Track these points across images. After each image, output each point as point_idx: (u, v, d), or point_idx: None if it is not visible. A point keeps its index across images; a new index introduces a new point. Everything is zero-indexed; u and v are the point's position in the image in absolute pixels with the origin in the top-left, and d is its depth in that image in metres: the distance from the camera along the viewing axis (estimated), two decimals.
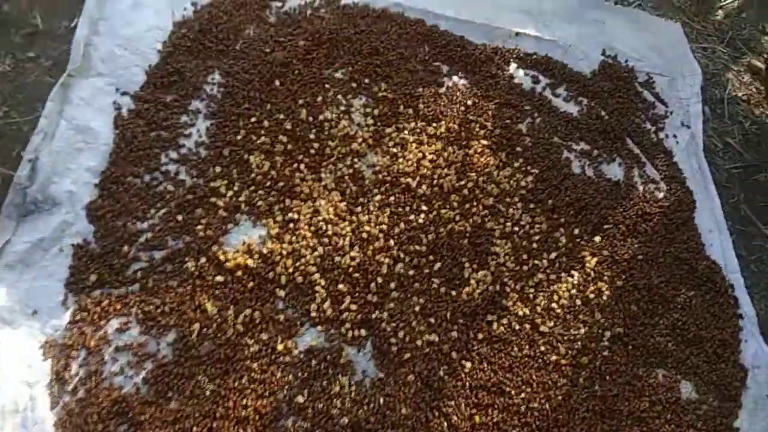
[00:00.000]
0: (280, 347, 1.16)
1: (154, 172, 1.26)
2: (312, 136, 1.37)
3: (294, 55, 1.44)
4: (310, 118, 1.39)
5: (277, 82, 1.41)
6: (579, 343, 1.29)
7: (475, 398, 1.21)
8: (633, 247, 1.44)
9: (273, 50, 1.44)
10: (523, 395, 1.24)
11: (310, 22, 1.51)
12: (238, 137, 1.33)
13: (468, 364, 1.24)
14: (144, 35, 1.38)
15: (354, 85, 1.46)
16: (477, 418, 1.19)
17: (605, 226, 1.46)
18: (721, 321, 1.40)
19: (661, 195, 1.54)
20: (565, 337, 1.31)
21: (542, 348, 1.28)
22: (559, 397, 1.24)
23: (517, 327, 1.29)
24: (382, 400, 1.16)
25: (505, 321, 1.29)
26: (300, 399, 1.13)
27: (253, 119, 1.35)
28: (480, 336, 1.27)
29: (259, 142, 1.33)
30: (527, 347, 1.28)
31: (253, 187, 1.29)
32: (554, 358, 1.27)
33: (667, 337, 1.35)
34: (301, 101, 1.40)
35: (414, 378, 1.19)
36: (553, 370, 1.27)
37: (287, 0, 1.53)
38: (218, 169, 1.29)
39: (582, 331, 1.32)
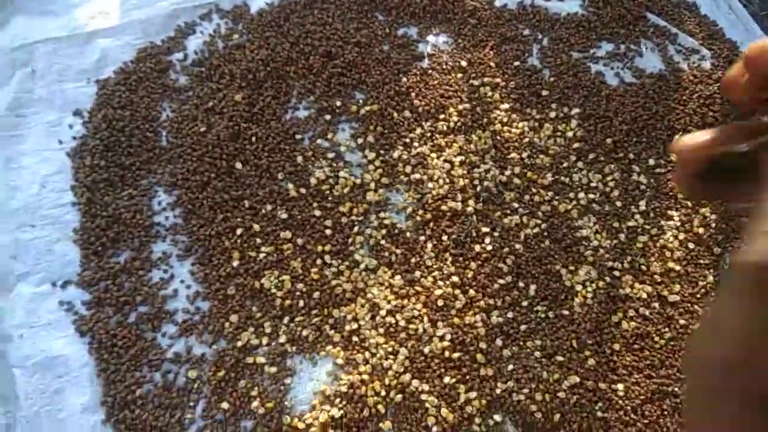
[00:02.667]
0: None
1: (162, 365, 0.89)
2: (317, 213, 0.98)
3: (238, 117, 1.01)
4: (302, 190, 0.99)
5: (238, 165, 0.99)
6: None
7: (644, 418, 0.96)
8: None
9: (209, 125, 1.00)
10: (686, 385, 0.98)
11: (229, 60, 1.05)
12: (234, 263, 0.94)
13: (620, 387, 0.98)
14: (43, 194, 0.94)
15: (327, 116, 1.04)
16: None
17: (675, 137, 1.12)
18: None
19: (707, 65, 1.20)
20: (699, 296, 1.03)
21: (682, 321, 1.01)
22: None
23: (647, 312, 1.01)
24: None
25: (631, 312, 1.02)
26: None
27: (239, 231, 0.95)
28: (616, 346, 0.99)
29: (261, 257, 0.95)
30: (666, 329, 1.01)
31: (287, 319, 0.93)
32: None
33: None
34: (279, 175, 0.99)
35: None
36: None
37: (187, 44, 1.05)
38: (234, 318, 0.92)
39: (710, 276, 1.04)
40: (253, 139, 1.01)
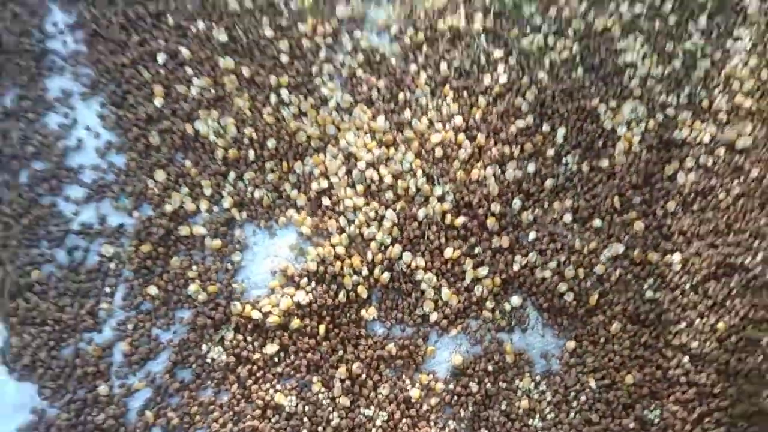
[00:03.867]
0: (415, 393, 0.66)
1: (66, 239, 0.64)
2: (269, 33, 0.70)
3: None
4: (247, 3, 0.69)
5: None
6: None
7: (707, 299, 0.73)
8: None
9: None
10: (761, 255, 0.74)
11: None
12: (157, 102, 0.67)
13: (676, 258, 0.74)
14: None
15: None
16: (721, 325, 0.71)
17: None
18: None
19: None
20: None
21: (754, 172, 0.77)
22: None
23: (710, 161, 0.77)
24: (594, 383, 0.68)
25: (690, 162, 0.76)
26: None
27: (161, 58, 0.67)
28: (670, 205, 0.75)
29: (193, 93, 0.67)
30: (734, 182, 0.77)
31: (232, 175, 0.67)
32: None
33: None
34: None
35: (620, 324, 0.69)
36: None
37: None
38: (160, 176, 0.66)
39: None
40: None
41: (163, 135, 0.67)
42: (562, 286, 0.69)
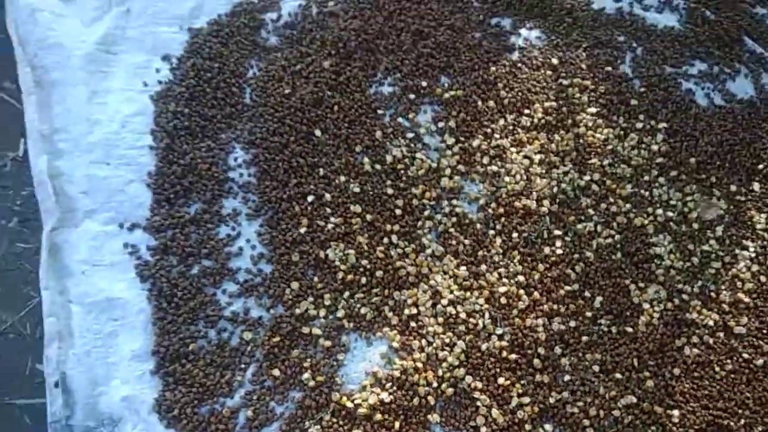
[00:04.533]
0: None
1: (219, 323, 0.82)
2: (390, 191, 0.91)
3: (324, 84, 0.93)
4: (377, 166, 0.91)
5: (317, 132, 0.91)
6: None
7: None
8: None
9: (294, 88, 0.92)
10: (743, 421, 0.89)
11: (322, 26, 0.97)
12: (301, 230, 0.86)
13: (676, 413, 0.88)
14: (122, 134, 0.87)
15: (411, 96, 0.96)
16: None
17: (759, 166, 1.02)
18: None
19: None
20: (765, 330, 0.93)
21: (744, 355, 0.92)
22: None
23: (711, 341, 0.92)
24: None
25: (695, 339, 0.92)
26: None
27: (310, 198, 0.88)
28: (676, 371, 0.90)
29: (329, 228, 0.87)
30: (729, 361, 0.91)
31: (347, 293, 0.86)
32: (761, 361, 0.90)
33: None
34: (357, 148, 0.91)
35: None
36: (765, 376, 0.90)
37: (282, 5, 0.97)
38: (294, 285, 0.84)
39: None
40: (336, 108, 0.93)
41: (302, 255, 0.87)
42: (586, 422, 0.86)
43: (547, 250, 0.92)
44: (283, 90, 0.93)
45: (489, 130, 0.97)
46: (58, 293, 0.80)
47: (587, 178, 0.96)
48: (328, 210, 0.89)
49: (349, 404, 0.82)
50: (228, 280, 0.85)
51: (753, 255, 0.98)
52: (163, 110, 0.89)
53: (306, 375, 0.83)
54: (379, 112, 0.95)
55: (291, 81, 0.94)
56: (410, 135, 0.95)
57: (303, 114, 0.92)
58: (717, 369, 0.92)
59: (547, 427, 0.86)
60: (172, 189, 0.86)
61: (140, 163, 0.88)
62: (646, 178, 0.98)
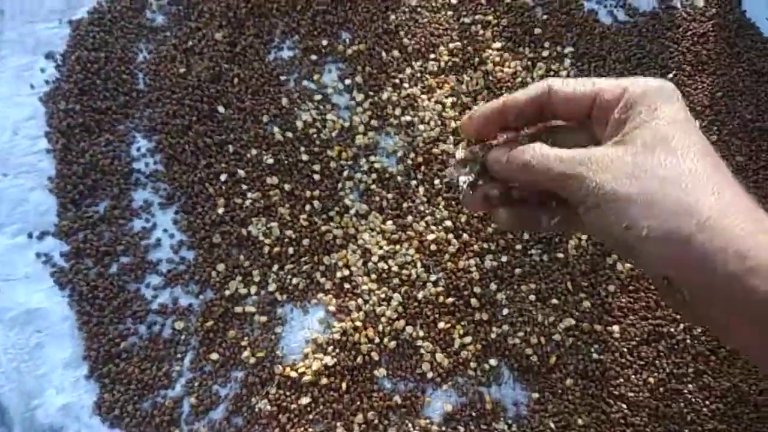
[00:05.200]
0: None
1: (147, 317, 0.79)
2: (305, 157, 0.87)
3: (219, 58, 0.88)
4: (288, 134, 0.88)
5: (220, 108, 0.87)
6: None
7: (640, 359, 0.89)
8: (707, 83, 1.01)
9: (188, 66, 0.87)
10: (682, 326, 0.91)
11: None
12: (219, 211, 0.83)
13: (616, 328, 0.90)
14: (15, 141, 0.82)
15: (313, 57, 0.92)
16: (651, 379, 0.88)
17: (669, 76, 1.02)
18: None
19: (701, 2, 1.08)
20: None
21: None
22: None
23: None
24: (552, 424, 0.83)
25: None
26: None
27: (223, 177, 0.84)
28: (611, 288, 0.91)
29: (247, 204, 0.84)
30: None
31: (276, 267, 0.83)
32: None
33: None
34: (264, 118, 0.87)
35: (572, 380, 0.85)
36: None
37: None
38: (220, 267, 0.81)
39: None
40: (236, 80, 0.89)
41: (224, 236, 0.84)
42: (528, 350, 0.86)
43: None
44: (177, 70, 0.88)
45: (397, 81, 0.94)
46: None
47: None
48: (244, 186, 0.86)
49: (294, 374, 0.81)
50: (150, 273, 0.82)
51: None
52: (54, 110, 0.84)
53: (245, 353, 0.81)
54: (282, 78, 0.91)
55: (185, 59, 0.89)
56: (318, 97, 0.91)
57: (202, 92, 0.87)
58: (650, 280, 0.93)
59: (492, 361, 0.86)
60: (76, 190, 0.82)
61: (40, 169, 0.82)
62: None
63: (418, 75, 0.95)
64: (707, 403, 0.92)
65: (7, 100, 0.85)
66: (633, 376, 0.91)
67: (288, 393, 0.81)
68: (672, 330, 0.93)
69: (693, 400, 0.92)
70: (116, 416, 0.76)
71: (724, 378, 0.93)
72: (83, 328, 0.78)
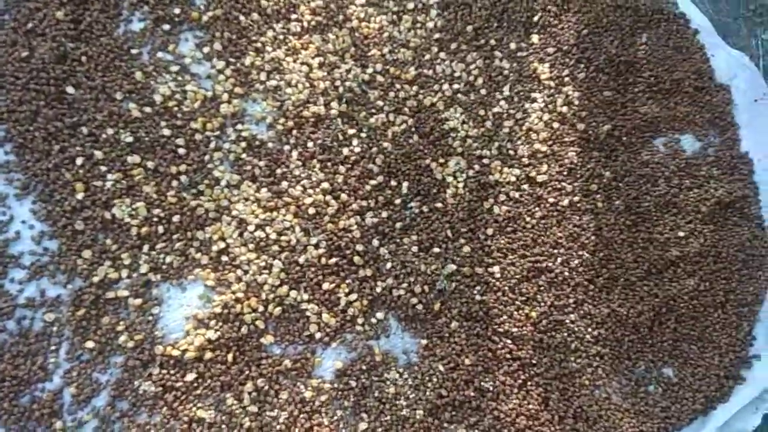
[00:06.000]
0: (308, 394, 0.80)
1: (15, 312, 0.76)
2: (167, 132, 0.83)
3: (63, 36, 0.82)
4: (146, 109, 0.83)
5: (69, 89, 0.81)
6: (582, 167, 0.95)
7: (522, 296, 0.91)
8: (573, 21, 1.02)
9: (31, 49, 0.81)
10: (560, 259, 0.94)
11: None
12: (79, 196, 0.79)
13: (496, 269, 0.91)
14: None
15: (166, 26, 0.87)
16: (534, 314, 0.91)
17: (534, 18, 1.02)
18: None
19: None
20: (566, 173, 0.96)
21: (551, 199, 0.95)
22: (593, 237, 0.93)
23: (517, 195, 0.94)
24: (442, 367, 0.84)
25: (502, 197, 0.94)
26: (363, 426, 0.80)
27: (79, 161, 0.79)
28: (489, 231, 0.92)
29: (108, 186, 0.80)
30: (536, 208, 0.94)
31: (146, 247, 0.80)
32: (566, 201, 0.94)
33: None
34: (118, 95, 0.83)
35: (458, 322, 0.86)
36: (573, 213, 0.94)
37: None
38: (86, 254, 0.78)
39: (574, 153, 0.96)
40: (83, 59, 0.83)
41: (86, 221, 0.80)
42: (414, 300, 0.87)
43: (345, 151, 0.89)
44: (19, 54, 0.81)
45: (259, 45, 0.90)
46: None
47: (370, 70, 0.93)
48: (103, 168, 0.81)
49: (176, 352, 0.79)
50: (13, 267, 0.77)
51: (542, 105, 0.99)
52: None
53: (123, 338, 0.78)
54: (134, 51, 0.86)
55: (26, 42, 0.82)
56: (175, 68, 0.86)
57: (48, 74, 0.81)
58: (528, 219, 0.95)
59: (379, 315, 0.87)
60: None
61: None
62: (428, 57, 0.95)
63: (281, 37, 0.91)
64: (589, 330, 0.96)
65: None
66: (516, 313, 0.93)
67: (172, 372, 0.79)
68: (550, 264, 0.95)
69: (575, 329, 0.96)
70: None
71: (603, 305, 0.97)
72: None
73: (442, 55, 0.96)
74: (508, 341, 0.89)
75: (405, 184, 0.90)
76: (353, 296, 0.85)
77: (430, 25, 0.97)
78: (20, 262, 0.78)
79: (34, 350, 0.76)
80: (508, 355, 0.89)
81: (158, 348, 0.78)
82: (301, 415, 0.80)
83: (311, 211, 0.87)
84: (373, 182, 0.89)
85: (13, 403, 0.74)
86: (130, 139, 0.83)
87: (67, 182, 0.80)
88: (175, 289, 0.81)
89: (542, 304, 0.92)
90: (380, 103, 0.92)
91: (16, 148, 0.80)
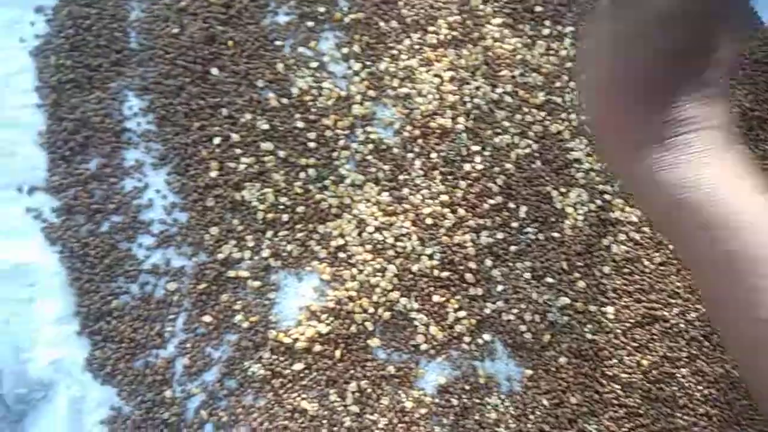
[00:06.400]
0: (408, 405, 1.10)
1: (140, 276, 1.08)
2: (300, 124, 1.19)
3: (213, 19, 1.20)
4: (283, 100, 1.20)
5: (214, 70, 1.18)
6: None
7: (633, 341, 1.22)
8: None
9: (182, 26, 1.19)
10: (677, 310, 1.25)
11: None
12: (213, 174, 1.14)
13: (610, 309, 1.23)
14: (5, 94, 1.11)
15: (310, 23, 1.25)
16: (645, 362, 1.21)
17: None
18: None
19: None
20: None
21: (671, 246, 1.27)
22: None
23: (638, 236, 1.27)
24: (545, 401, 1.15)
25: (622, 236, 1.27)
26: None
27: (216, 140, 1.15)
28: (606, 269, 1.24)
29: (241, 168, 1.15)
30: (656, 252, 1.27)
31: (270, 233, 1.14)
32: None
33: None
34: (259, 83, 1.19)
35: (566, 358, 1.18)
36: None
37: None
38: (214, 231, 1.12)
39: None
40: (230, 43, 1.20)
41: (217, 199, 1.14)
42: (522, 327, 1.18)
43: (467, 166, 1.24)
44: (170, 30, 1.19)
45: (395, 52, 1.27)
46: None
47: (499, 90, 1.29)
48: (238, 150, 1.17)
49: (287, 340, 1.11)
50: (142, 233, 1.11)
51: None
52: (45, 65, 1.13)
53: (238, 317, 1.10)
54: (278, 43, 1.23)
55: (178, 20, 1.19)
56: (314, 64, 1.23)
57: (195, 53, 1.18)
58: (646, 263, 1.27)
59: (486, 336, 1.18)
60: (67, 146, 1.10)
61: (30, 123, 1.11)
62: (558, 84, 1.32)
63: (417, 47, 1.29)
64: (700, 387, 1.25)
65: None
66: (626, 358, 1.24)
67: (281, 358, 1.10)
68: (666, 314, 1.26)
69: (686, 384, 1.26)
70: (108, 373, 1.04)
71: (717, 364, 1.27)
72: (74, 285, 1.06)
73: (572, 84, 1.33)
74: (617, 386, 1.20)
75: (523, 209, 1.24)
76: (462, 313, 1.17)
77: (563, 53, 1.34)
78: (150, 229, 1.11)
79: (154, 316, 1.08)
80: (614, 401, 1.19)
81: (271, 333, 1.10)
82: (400, 424, 1.11)
83: (428, 221, 1.20)
84: (491, 201, 1.23)
85: (128, 365, 1.05)
86: (265, 127, 1.18)
87: (202, 159, 1.15)
88: (291, 278, 1.14)
89: (654, 353, 1.23)
90: (506, 123, 1.28)
91: (157, 119, 1.16)
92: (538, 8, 1.36)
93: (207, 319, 1.08)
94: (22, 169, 1.09)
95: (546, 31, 1.34)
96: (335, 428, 1.07)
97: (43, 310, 1.04)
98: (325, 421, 1.08)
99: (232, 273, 1.11)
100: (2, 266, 1.04)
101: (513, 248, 1.22)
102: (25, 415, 1.01)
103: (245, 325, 1.09)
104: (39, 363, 1.02)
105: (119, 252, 1.08)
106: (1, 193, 1.07)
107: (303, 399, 1.08)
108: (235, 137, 1.16)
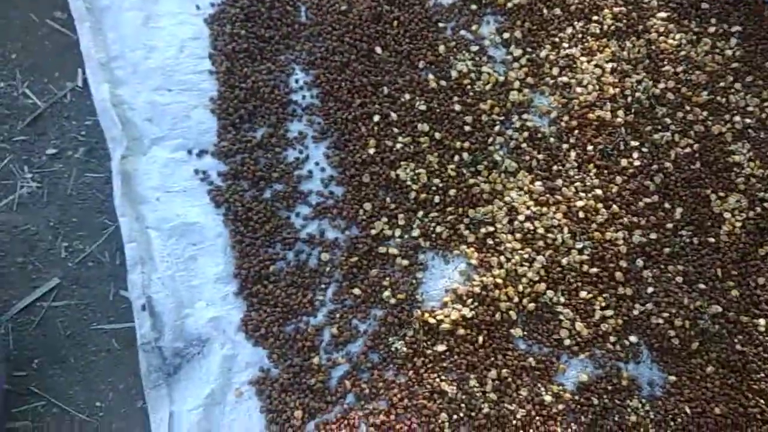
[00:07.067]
0: (547, 398, 1.09)
1: (296, 245, 1.12)
2: (457, 108, 1.19)
3: None
4: (442, 83, 1.20)
5: (378, 49, 1.20)
6: None
7: None
8: None
9: (350, 4, 1.21)
10: None
11: None
12: (370, 151, 1.16)
13: (762, 321, 1.18)
14: (180, 59, 1.15)
15: (473, 6, 1.25)
16: None
17: None
18: None
19: None
20: None
21: None
22: None
23: None
24: (688, 410, 1.12)
25: None
26: None
27: (376, 118, 1.17)
28: (760, 280, 1.20)
29: (397, 147, 1.16)
30: None
31: (421, 213, 1.15)
32: None
33: None
34: (420, 64, 1.20)
35: (713, 368, 1.14)
36: None
37: None
38: (367, 206, 1.14)
39: None
40: (395, 23, 1.21)
41: (373, 176, 1.16)
42: (671, 332, 1.15)
43: (624, 161, 1.22)
44: (339, 7, 1.21)
45: (557, 39, 1.26)
46: (135, 220, 1.08)
47: (662, 86, 1.25)
48: (395, 129, 1.18)
49: (432, 320, 1.12)
50: (301, 203, 1.14)
51: None
52: (219, 33, 1.18)
53: (386, 293, 1.12)
54: (441, 25, 1.23)
55: None
56: (474, 48, 1.23)
57: (362, 31, 1.20)
58: None
59: (632, 338, 1.16)
60: (237, 114, 1.15)
61: (201, 89, 1.16)
62: (722, 84, 1.27)
63: (579, 36, 1.26)
64: None
65: (174, 17, 1.18)
66: None
67: (425, 338, 1.11)
68: None
69: None
70: (261, 335, 1.08)
71: None
72: (236, 247, 1.11)
73: (737, 85, 1.27)
74: (763, 401, 1.15)
75: (679, 210, 1.21)
76: (609, 312, 1.15)
77: (729, 52, 1.29)
78: (308, 200, 1.15)
79: (306, 284, 1.11)
80: (759, 416, 1.15)
81: (416, 312, 1.11)
82: (537, 417, 1.10)
83: (581, 215, 1.19)
84: (647, 200, 1.20)
85: (280, 328, 1.09)
86: (423, 108, 1.19)
87: (361, 135, 1.17)
88: (439, 260, 1.15)
89: None
90: (667, 120, 1.24)
91: (321, 94, 1.19)
92: (705, 5, 1.31)
93: (356, 291, 1.11)
94: (194, 132, 1.13)
95: (712, 29, 1.29)
96: (473, 413, 1.08)
97: (205, 269, 1.09)
98: (463, 405, 1.08)
99: (382, 249, 1.13)
100: (171, 223, 1.09)
101: (666, 250, 1.19)
102: (180, 368, 1.05)
103: (392, 301, 1.11)
104: (198, 320, 1.06)
105: (279, 219, 1.12)
106: (174, 155, 1.12)
107: (443, 381, 1.09)
108: (393, 116, 1.17)
